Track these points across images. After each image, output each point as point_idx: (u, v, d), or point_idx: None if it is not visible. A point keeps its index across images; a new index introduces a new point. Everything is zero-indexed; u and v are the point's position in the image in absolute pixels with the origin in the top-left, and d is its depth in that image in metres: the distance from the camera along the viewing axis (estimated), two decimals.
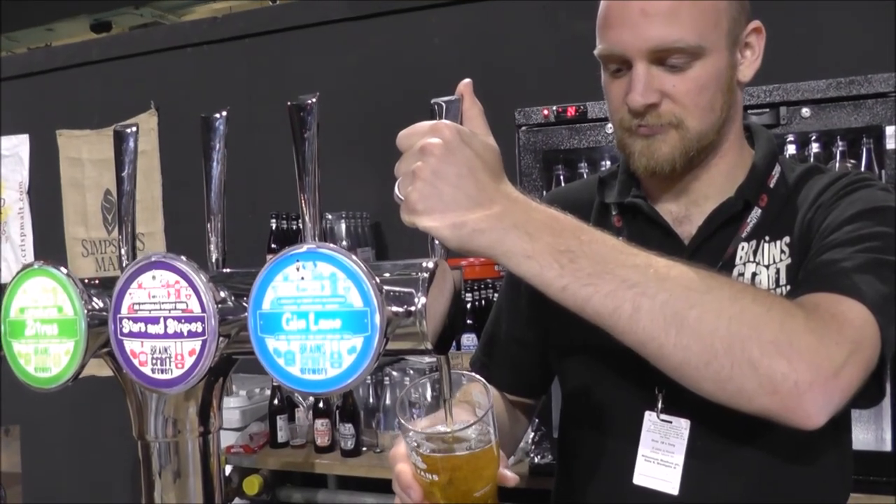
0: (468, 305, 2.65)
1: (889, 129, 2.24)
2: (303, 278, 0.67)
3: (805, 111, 2.27)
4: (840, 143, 2.31)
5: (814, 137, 2.34)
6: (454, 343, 0.83)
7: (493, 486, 0.90)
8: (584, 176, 2.56)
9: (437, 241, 0.84)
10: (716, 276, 0.94)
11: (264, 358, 0.68)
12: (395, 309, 0.68)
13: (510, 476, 0.92)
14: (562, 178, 2.59)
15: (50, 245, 3.92)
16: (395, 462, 0.98)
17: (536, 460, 2.43)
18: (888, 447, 2.17)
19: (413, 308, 0.68)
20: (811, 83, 2.25)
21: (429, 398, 0.96)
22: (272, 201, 3.10)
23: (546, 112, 2.50)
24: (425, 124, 0.86)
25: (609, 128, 2.44)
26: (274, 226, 3.05)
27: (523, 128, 2.52)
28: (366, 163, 3.12)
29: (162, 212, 3.66)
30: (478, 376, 0.98)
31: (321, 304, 0.66)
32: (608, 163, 2.57)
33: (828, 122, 2.27)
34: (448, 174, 0.83)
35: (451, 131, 0.85)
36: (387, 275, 0.70)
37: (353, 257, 0.65)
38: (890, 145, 2.24)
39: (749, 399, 0.91)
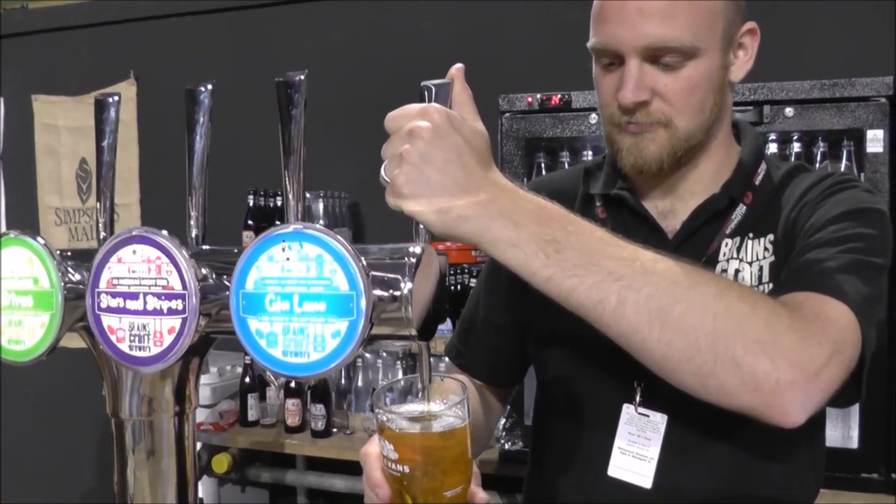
0: None
1: (870, 133, 2.25)
2: (288, 259, 0.65)
3: (788, 111, 2.29)
4: (821, 143, 2.33)
5: (795, 137, 2.35)
6: None
7: (464, 490, 0.89)
8: (566, 165, 2.56)
9: (421, 226, 0.83)
10: (702, 271, 0.94)
11: (246, 339, 0.67)
12: (380, 293, 0.66)
13: (481, 496, 0.92)
14: (543, 166, 2.58)
15: (22, 212, 3.86)
16: (365, 461, 0.97)
17: (507, 447, 2.44)
18: (855, 444, 2.20)
19: (399, 293, 0.67)
20: (796, 83, 2.26)
21: (406, 397, 0.95)
22: (250, 178, 3.07)
23: (530, 99, 2.49)
24: (414, 107, 0.85)
25: (593, 118, 2.44)
26: (251, 202, 3.03)
27: (507, 114, 2.51)
28: (346, 143, 3.10)
29: (138, 183, 3.62)
30: (458, 377, 0.97)
31: (306, 285, 0.65)
32: (590, 153, 2.57)
33: (810, 122, 2.28)
34: (436, 159, 0.82)
35: (440, 115, 0.83)
36: (373, 258, 0.68)
37: (341, 239, 0.64)
38: (870, 149, 2.26)
39: (730, 396, 0.91)
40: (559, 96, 2.48)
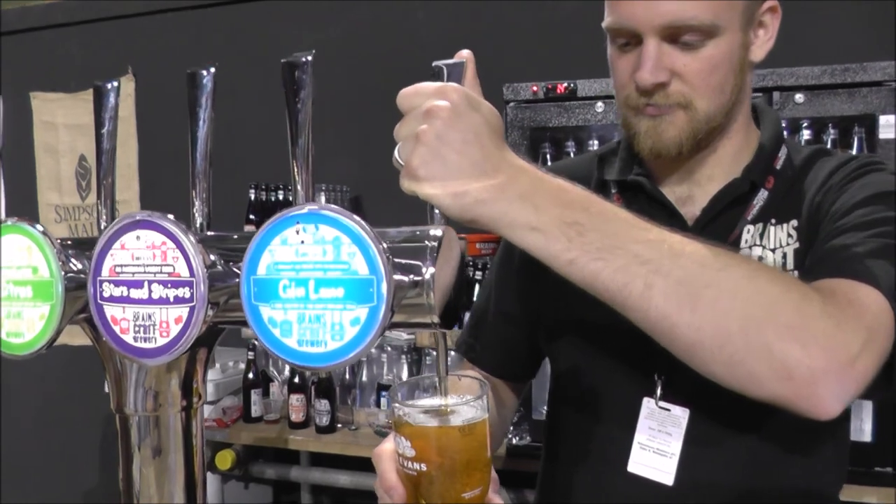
0: None
1: (882, 119, 2.23)
2: (303, 242, 0.61)
3: (798, 97, 2.26)
4: (832, 130, 2.31)
5: (805, 124, 2.32)
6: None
7: (483, 493, 0.85)
8: (572, 155, 2.53)
9: (437, 211, 0.79)
10: (731, 253, 0.90)
11: (258, 328, 0.63)
12: (400, 278, 0.63)
13: (497, 502, 0.88)
14: (548, 156, 2.55)
15: (22, 210, 3.77)
16: (379, 461, 0.93)
17: (515, 441, 2.41)
18: (868, 437, 2.17)
19: (420, 278, 0.63)
20: (805, 69, 2.23)
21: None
22: (250, 172, 3.04)
23: (535, 88, 2.47)
24: (430, 85, 0.81)
25: (599, 106, 2.41)
26: (253, 196, 3.00)
27: (511, 103, 2.48)
28: (347, 136, 3.07)
29: (138, 179, 3.59)
30: (474, 374, 0.93)
31: (322, 270, 0.61)
32: (596, 142, 2.55)
33: (821, 108, 2.26)
34: (453, 140, 0.78)
35: (458, 94, 0.80)
36: (391, 241, 0.64)
37: (359, 220, 0.60)
38: (883, 135, 2.23)
39: (760, 384, 0.87)
40: (565, 85, 2.45)
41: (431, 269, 0.63)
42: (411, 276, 0.63)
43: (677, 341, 0.86)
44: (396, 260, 0.63)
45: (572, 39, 2.88)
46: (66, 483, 3.76)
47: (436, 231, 0.66)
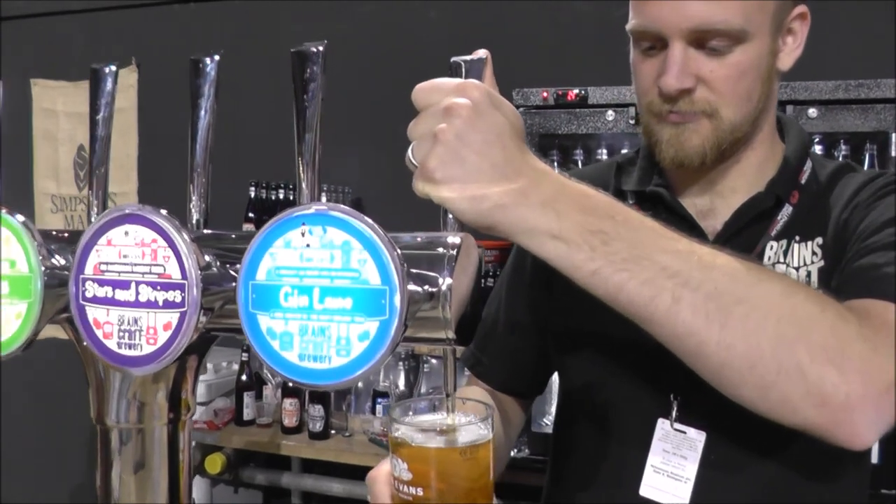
0: None
1: (895, 136, 2.19)
2: (308, 245, 0.55)
3: (812, 111, 2.23)
4: (843, 146, 2.28)
5: (818, 139, 2.28)
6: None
7: None
8: (580, 164, 2.49)
9: (450, 216, 0.74)
10: (764, 268, 0.85)
11: (255, 339, 0.56)
12: (413, 289, 0.56)
13: None
14: (556, 164, 2.51)
15: (17, 199, 3.76)
16: (373, 484, 0.88)
17: (513, 454, 2.36)
18: (875, 459, 2.12)
19: (435, 289, 0.57)
20: (819, 83, 2.21)
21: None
22: (251, 169, 3.00)
23: (545, 94, 2.44)
24: (450, 81, 0.76)
25: (610, 114, 2.38)
26: (253, 194, 2.95)
27: (520, 109, 2.43)
28: (349, 136, 3.03)
29: (136, 172, 3.54)
30: (480, 399, 0.87)
31: (329, 278, 0.55)
32: (605, 152, 2.52)
33: (834, 124, 2.23)
34: (474, 140, 0.73)
35: (480, 92, 0.75)
36: (405, 248, 0.58)
37: (372, 223, 0.54)
38: (895, 152, 2.19)
39: (793, 410, 0.82)
40: (576, 91, 2.42)
41: (448, 280, 0.57)
42: (426, 287, 0.57)
43: (705, 360, 0.81)
44: (410, 269, 0.57)
45: (585, 45, 2.83)
46: (61, 482, 3.71)
47: (454, 238, 0.60)
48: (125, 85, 3.49)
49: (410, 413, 0.82)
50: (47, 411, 3.75)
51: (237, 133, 3.07)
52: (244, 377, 2.83)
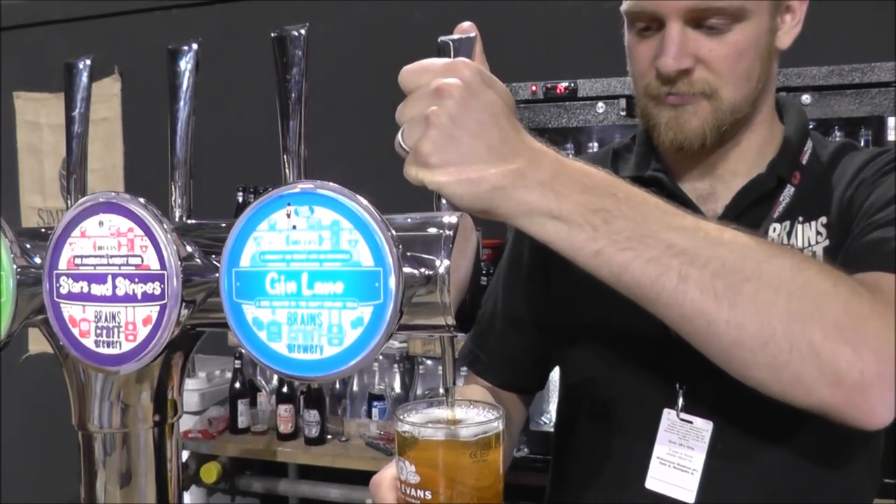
0: None
1: (891, 121, 2.19)
2: (295, 227, 0.51)
3: (805, 97, 2.22)
4: (837, 133, 2.26)
5: (812, 126, 2.25)
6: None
7: None
8: (570, 157, 2.46)
9: (443, 201, 0.70)
10: (773, 243, 0.82)
11: (240, 330, 0.53)
12: (409, 271, 0.53)
13: None
14: None
15: (3, 213, 3.74)
16: (377, 489, 0.85)
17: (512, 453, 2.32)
18: None
19: (433, 272, 0.53)
20: (813, 69, 2.19)
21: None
22: (238, 174, 2.97)
23: (534, 88, 2.42)
24: (439, 61, 0.73)
25: (600, 107, 2.36)
26: (241, 199, 2.93)
27: None
28: (335, 134, 3.01)
29: (123, 182, 3.51)
30: (485, 397, 0.84)
31: (318, 261, 0.51)
32: (596, 145, 2.50)
33: (828, 110, 2.21)
34: (468, 121, 0.70)
35: (471, 71, 0.71)
36: (400, 229, 0.55)
37: (363, 201, 0.50)
38: (891, 137, 2.18)
39: (807, 390, 0.79)
40: (564, 85, 2.39)
41: (446, 262, 0.53)
42: (422, 270, 0.54)
43: (714, 341, 0.78)
44: (405, 252, 0.54)
45: (573, 38, 2.80)
46: (57, 494, 3.67)
47: (450, 218, 0.57)
48: (109, 94, 3.46)
49: (419, 413, 0.79)
50: (46, 422, 3.71)
51: (225, 138, 3.04)
52: (238, 385, 2.81)
